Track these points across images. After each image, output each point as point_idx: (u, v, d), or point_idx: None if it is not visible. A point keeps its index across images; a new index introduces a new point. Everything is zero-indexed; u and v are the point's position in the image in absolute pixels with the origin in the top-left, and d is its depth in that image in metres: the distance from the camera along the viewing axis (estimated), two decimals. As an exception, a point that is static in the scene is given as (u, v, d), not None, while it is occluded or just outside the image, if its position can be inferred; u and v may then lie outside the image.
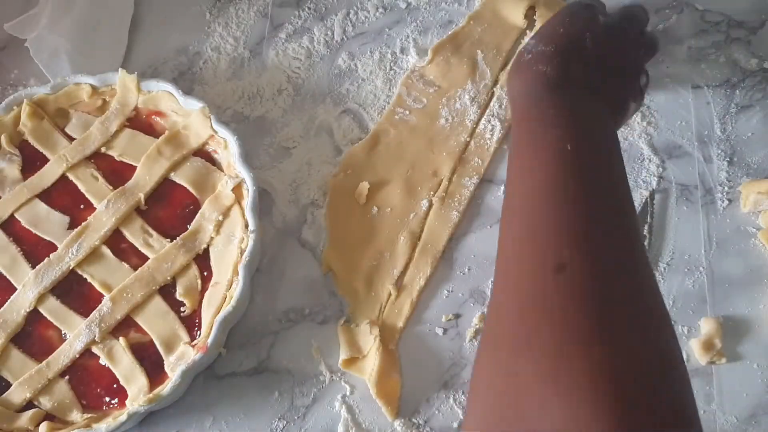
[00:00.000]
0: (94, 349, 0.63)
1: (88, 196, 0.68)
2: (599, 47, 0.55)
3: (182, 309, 0.64)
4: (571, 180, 0.44)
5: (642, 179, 0.67)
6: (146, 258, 0.66)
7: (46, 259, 0.66)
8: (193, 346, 0.62)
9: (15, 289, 0.65)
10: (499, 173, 0.69)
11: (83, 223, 0.67)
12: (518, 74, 0.55)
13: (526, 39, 0.73)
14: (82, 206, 0.68)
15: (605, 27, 0.56)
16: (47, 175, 0.70)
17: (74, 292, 0.66)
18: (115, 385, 0.62)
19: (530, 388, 0.35)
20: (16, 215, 0.68)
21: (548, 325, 0.37)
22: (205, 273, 0.65)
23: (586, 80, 0.53)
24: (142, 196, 0.67)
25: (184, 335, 0.63)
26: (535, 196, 0.44)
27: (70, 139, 0.71)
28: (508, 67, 0.66)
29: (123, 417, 0.59)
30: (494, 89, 0.72)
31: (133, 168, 0.69)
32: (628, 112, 0.58)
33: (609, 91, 0.54)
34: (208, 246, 0.66)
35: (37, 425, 0.61)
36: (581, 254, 0.39)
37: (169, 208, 0.68)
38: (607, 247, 0.41)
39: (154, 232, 0.67)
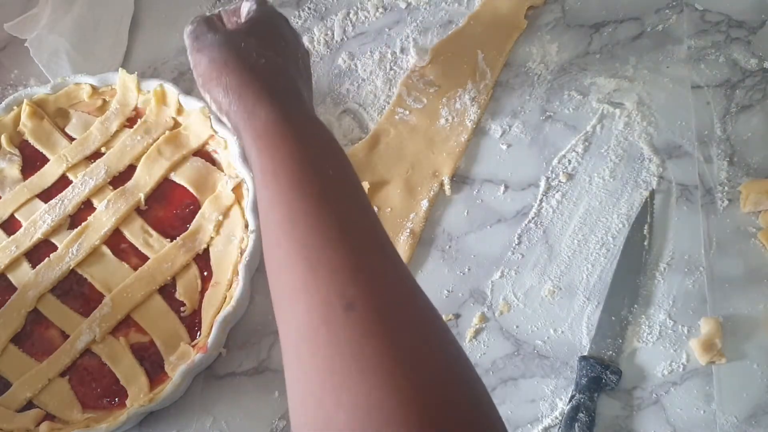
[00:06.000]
0: (95, 349, 0.63)
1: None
2: (255, 51, 0.54)
3: (182, 309, 0.64)
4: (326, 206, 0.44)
5: (642, 179, 0.67)
6: (146, 258, 0.66)
7: (47, 259, 0.66)
8: (193, 347, 0.62)
9: (15, 289, 0.65)
10: (498, 173, 0.69)
11: (83, 223, 0.67)
12: (250, 76, 0.53)
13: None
14: (82, 206, 0.68)
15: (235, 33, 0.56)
16: (47, 175, 0.70)
17: (74, 292, 0.66)
18: (115, 385, 0.62)
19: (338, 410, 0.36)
20: (16, 215, 0.69)
21: (339, 357, 0.38)
22: (205, 273, 0.65)
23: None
24: (142, 196, 0.68)
25: (184, 335, 0.63)
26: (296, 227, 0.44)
27: (70, 139, 0.72)
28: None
29: (123, 417, 0.59)
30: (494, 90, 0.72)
31: (133, 168, 0.69)
32: (311, 77, 0.60)
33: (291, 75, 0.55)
34: (208, 246, 0.66)
35: (38, 425, 0.61)
36: (366, 292, 0.40)
37: (169, 208, 0.68)
38: (385, 279, 0.42)
39: (154, 232, 0.67)
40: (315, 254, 0.41)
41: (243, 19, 0.59)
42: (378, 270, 0.42)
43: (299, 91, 0.54)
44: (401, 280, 0.43)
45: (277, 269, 0.44)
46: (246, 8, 0.59)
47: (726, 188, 0.66)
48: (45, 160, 0.70)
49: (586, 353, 0.61)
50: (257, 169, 0.48)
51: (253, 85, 0.52)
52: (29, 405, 0.62)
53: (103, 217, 0.67)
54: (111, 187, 0.69)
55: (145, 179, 0.68)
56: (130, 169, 0.69)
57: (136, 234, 0.67)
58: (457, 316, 0.64)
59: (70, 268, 0.66)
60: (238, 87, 0.52)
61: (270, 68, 0.54)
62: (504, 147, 0.70)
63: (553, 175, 0.68)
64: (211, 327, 0.62)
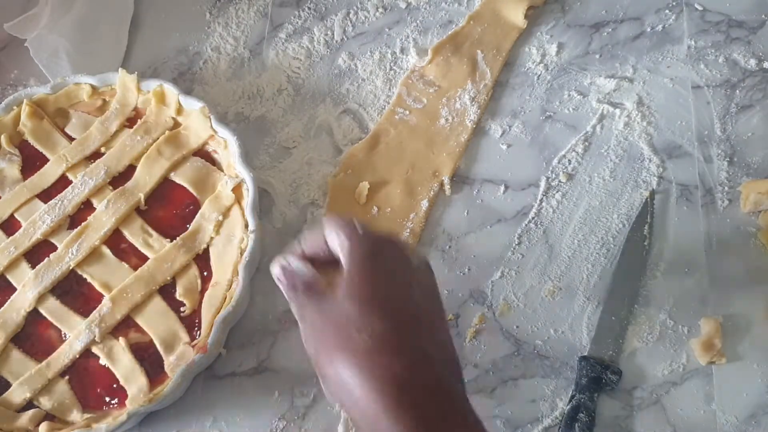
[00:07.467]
0: (94, 349, 0.63)
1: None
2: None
3: (182, 309, 0.64)
4: None
5: (642, 179, 0.67)
6: (146, 258, 0.66)
7: (46, 259, 0.66)
8: (193, 347, 0.62)
9: (15, 289, 0.65)
10: (498, 173, 0.69)
11: (83, 223, 0.67)
12: (357, 369, 0.42)
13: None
14: (82, 206, 0.68)
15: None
16: (47, 175, 0.70)
17: (74, 292, 0.66)
18: (115, 385, 0.62)
19: None
20: (16, 215, 0.69)
21: None
22: (205, 273, 0.65)
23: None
24: (142, 196, 0.68)
25: (184, 335, 0.63)
26: None
27: (70, 139, 0.72)
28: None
29: (123, 417, 0.59)
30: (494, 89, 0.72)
31: (132, 168, 0.69)
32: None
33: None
34: (208, 246, 0.66)
35: (37, 425, 0.61)
36: None
37: (169, 208, 0.68)
38: None
39: (154, 232, 0.67)
40: None
41: (339, 254, 0.47)
42: None
43: (438, 377, 0.43)
44: None
45: None
46: (336, 245, 0.47)
47: (726, 188, 0.66)
48: (45, 160, 0.70)
49: (586, 353, 0.61)
50: None
51: (366, 386, 0.41)
52: (29, 405, 0.62)
53: (103, 217, 0.67)
54: (111, 187, 0.69)
55: (145, 179, 0.68)
56: (130, 169, 0.69)
57: (136, 234, 0.67)
58: (457, 316, 0.64)
59: (70, 268, 0.66)
60: (355, 392, 0.42)
61: (378, 349, 0.42)
62: (504, 147, 0.70)
63: (553, 175, 0.68)
64: (211, 327, 0.62)
